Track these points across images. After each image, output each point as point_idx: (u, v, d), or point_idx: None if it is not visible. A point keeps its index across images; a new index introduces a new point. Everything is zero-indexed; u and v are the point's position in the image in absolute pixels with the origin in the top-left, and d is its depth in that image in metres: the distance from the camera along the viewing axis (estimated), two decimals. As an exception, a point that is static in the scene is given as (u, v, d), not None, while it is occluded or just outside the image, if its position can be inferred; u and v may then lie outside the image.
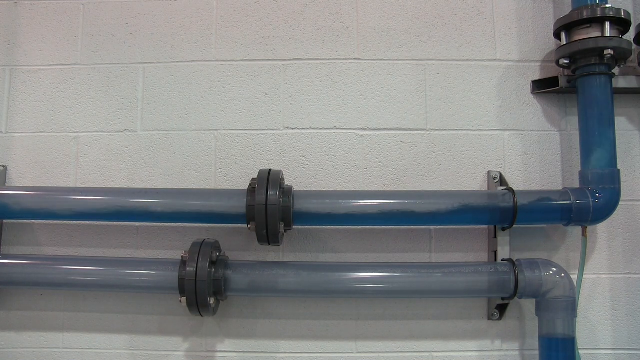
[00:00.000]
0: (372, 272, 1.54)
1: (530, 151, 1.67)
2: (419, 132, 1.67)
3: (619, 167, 1.52)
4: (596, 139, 1.51)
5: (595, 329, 1.62)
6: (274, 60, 1.70)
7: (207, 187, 1.66)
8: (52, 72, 1.72)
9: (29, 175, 1.69)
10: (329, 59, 1.70)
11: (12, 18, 1.74)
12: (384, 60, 1.69)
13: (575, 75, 1.56)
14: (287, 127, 1.68)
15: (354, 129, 1.67)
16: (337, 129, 1.68)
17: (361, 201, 1.53)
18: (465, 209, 1.50)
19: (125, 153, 1.69)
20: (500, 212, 1.50)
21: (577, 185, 1.58)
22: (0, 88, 1.72)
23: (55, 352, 1.64)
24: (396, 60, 1.69)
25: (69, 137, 1.70)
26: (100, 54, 1.72)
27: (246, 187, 1.48)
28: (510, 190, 1.52)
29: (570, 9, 1.57)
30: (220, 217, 1.51)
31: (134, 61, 1.72)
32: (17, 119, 1.71)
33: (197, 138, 1.68)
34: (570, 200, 1.50)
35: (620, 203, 1.51)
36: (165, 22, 1.72)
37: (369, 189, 1.65)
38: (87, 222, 1.66)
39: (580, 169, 1.57)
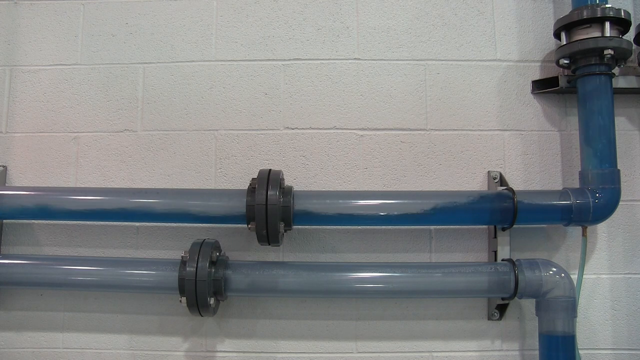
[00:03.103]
0: (372, 272, 1.54)
1: (530, 151, 1.67)
2: (419, 132, 1.67)
3: (619, 167, 1.52)
4: (596, 139, 1.51)
5: (595, 329, 1.62)
6: (273, 60, 1.70)
7: (207, 187, 1.66)
8: (52, 72, 1.72)
9: (29, 175, 1.69)
10: (329, 59, 1.70)
11: (12, 18, 1.74)
12: (384, 60, 1.69)
13: (575, 75, 1.56)
14: (287, 127, 1.68)
15: (354, 129, 1.67)
16: (337, 129, 1.68)
17: (361, 201, 1.53)
18: (465, 209, 1.50)
19: (125, 153, 1.69)
20: (500, 212, 1.50)
21: (577, 185, 1.58)
22: (0, 88, 1.72)
23: (55, 352, 1.64)
24: (396, 60, 1.69)
25: (69, 137, 1.70)
26: (100, 54, 1.72)
27: (246, 187, 1.48)
28: (510, 190, 1.52)
29: (570, 9, 1.57)
30: (220, 217, 1.51)
31: (134, 61, 1.72)
32: (17, 119, 1.71)
33: (197, 138, 1.68)
34: (570, 200, 1.50)
35: (620, 203, 1.51)
36: (165, 22, 1.73)
37: (369, 189, 1.65)
38: (87, 222, 1.66)
39: (580, 169, 1.57)
